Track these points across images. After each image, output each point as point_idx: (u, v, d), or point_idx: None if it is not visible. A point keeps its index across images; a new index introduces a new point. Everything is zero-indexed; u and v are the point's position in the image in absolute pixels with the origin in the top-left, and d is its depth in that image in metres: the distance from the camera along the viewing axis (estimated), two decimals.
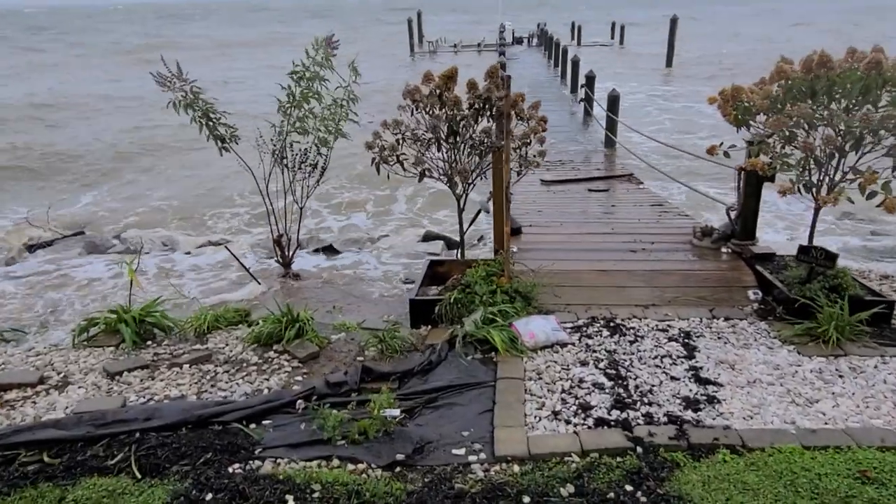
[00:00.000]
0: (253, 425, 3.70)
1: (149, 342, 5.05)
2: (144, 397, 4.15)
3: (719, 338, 4.59)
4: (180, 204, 10.58)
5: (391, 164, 5.02)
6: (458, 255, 5.42)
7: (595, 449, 3.26)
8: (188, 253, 7.78)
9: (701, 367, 4.13)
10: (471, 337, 4.57)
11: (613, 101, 12.21)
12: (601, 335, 4.67)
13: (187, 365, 4.58)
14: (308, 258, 7.31)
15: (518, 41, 39.39)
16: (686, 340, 4.55)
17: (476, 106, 4.92)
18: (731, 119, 5.17)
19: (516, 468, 3.16)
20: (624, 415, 3.59)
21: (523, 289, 5.09)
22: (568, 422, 3.56)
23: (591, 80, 15.09)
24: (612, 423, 3.52)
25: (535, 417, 3.63)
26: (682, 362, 4.23)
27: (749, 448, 3.23)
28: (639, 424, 3.49)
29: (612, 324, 4.85)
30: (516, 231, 6.52)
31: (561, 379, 4.05)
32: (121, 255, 7.96)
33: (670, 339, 4.58)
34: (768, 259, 5.76)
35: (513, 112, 4.92)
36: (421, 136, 4.96)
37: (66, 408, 3.98)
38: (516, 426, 3.53)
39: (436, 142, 4.91)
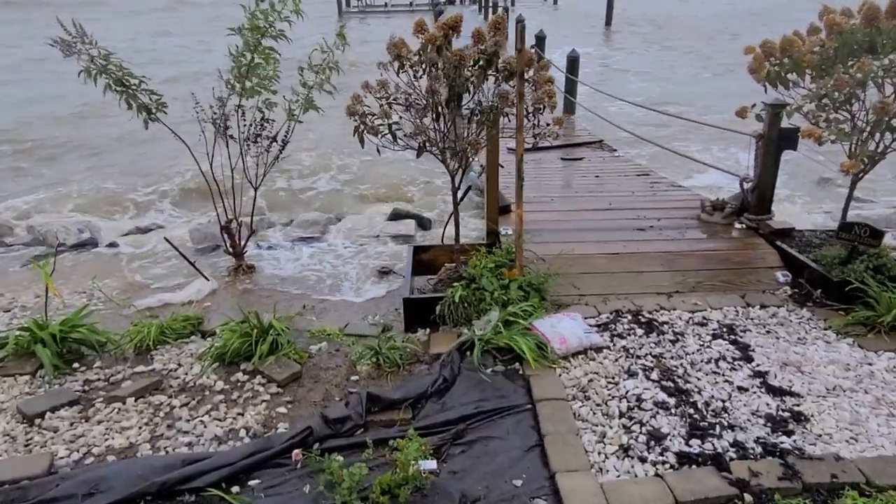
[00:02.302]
0: (236, 488, 2.82)
1: (75, 365, 4.04)
2: (79, 452, 3.15)
3: (767, 331, 4.05)
4: (99, 183, 9.17)
5: (380, 134, 4.10)
6: (455, 239, 4.62)
7: (692, 501, 2.58)
8: (112, 245, 6.54)
9: (766, 373, 3.56)
10: (488, 344, 3.83)
11: (573, 63, 11.55)
12: (634, 334, 4.05)
13: (132, 399, 3.59)
14: (259, 247, 6.28)
15: (451, 1, 38.30)
16: (733, 337, 3.99)
17: (481, 64, 4.04)
18: (763, 77, 4.55)
19: None
20: (707, 445, 2.94)
21: (536, 281, 4.37)
22: (643, 459, 2.87)
23: (541, 40, 14.31)
24: (698, 458, 2.86)
25: (600, 455, 2.92)
26: (742, 366, 3.65)
27: (877, 487, 2.63)
28: (732, 459, 2.84)
29: (640, 318, 4.24)
30: (504, 209, 5.77)
31: (613, 397, 3.36)
32: (27, 248, 6.64)
33: (714, 336, 4.00)
34: (788, 235, 5.26)
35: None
36: (415, 101, 4.05)
37: None
38: (581, 469, 2.81)
39: (434, 108, 4.01)
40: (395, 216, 7.08)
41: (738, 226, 5.55)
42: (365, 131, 4.18)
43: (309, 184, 9.11)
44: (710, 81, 16.83)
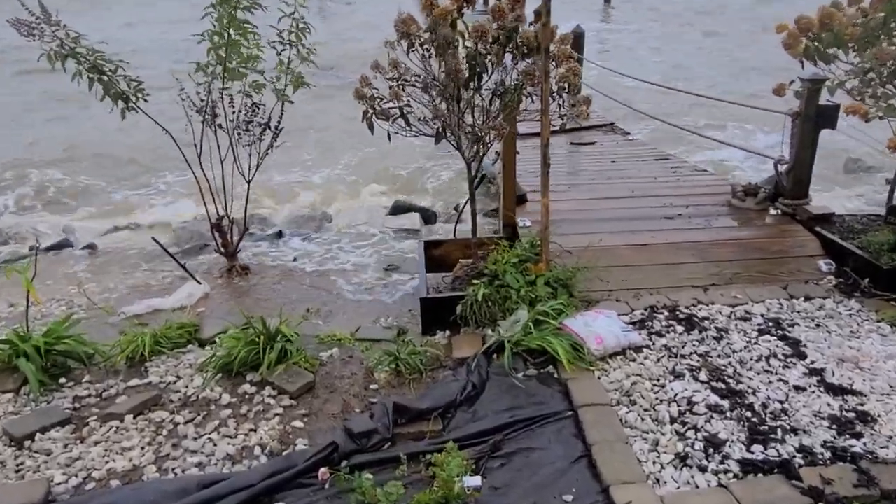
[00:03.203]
0: None
1: (62, 380, 3.92)
2: (77, 476, 3.05)
3: (816, 325, 4.02)
4: (75, 174, 8.99)
5: (391, 119, 4.02)
6: (471, 233, 4.56)
7: None
8: (89, 247, 6.39)
9: (823, 370, 3.53)
10: (517, 346, 3.77)
11: (578, 40, 11.48)
12: (674, 331, 4.02)
13: (130, 416, 3.49)
14: (253, 246, 6.19)
15: None
16: (781, 332, 3.95)
17: (500, 40, 3.97)
18: (799, 52, 4.51)
19: None
20: (771, 451, 2.90)
21: (563, 276, 4.32)
22: (703, 468, 2.82)
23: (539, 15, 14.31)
24: (763, 465, 2.81)
25: (655, 464, 2.87)
26: (795, 363, 3.62)
27: None
28: (800, 465, 2.79)
29: (678, 314, 4.20)
30: (521, 199, 5.71)
31: (661, 401, 3.32)
32: None
33: (761, 332, 3.97)
34: (828, 220, 5.24)
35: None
36: (430, 82, 3.97)
37: None
38: (637, 481, 2.76)
39: (456, 89, 3.93)
40: (398, 209, 7.03)
41: (772, 212, 5.52)
42: (374, 116, 4.11)
43: (306, 176, 9.01)
44: (717, 57, 16.87)
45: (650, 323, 4.10)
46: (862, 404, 3.23)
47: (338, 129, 10.53)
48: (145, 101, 4.96)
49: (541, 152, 4.20)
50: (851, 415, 3.14)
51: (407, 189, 8.24)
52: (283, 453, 3.12)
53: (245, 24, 4.94)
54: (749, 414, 3.16)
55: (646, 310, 4.26)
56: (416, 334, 4.27)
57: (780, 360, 3.65)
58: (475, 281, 4.24)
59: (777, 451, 2.89)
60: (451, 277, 4.70)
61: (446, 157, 8.77)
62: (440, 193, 8.03)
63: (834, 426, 3.06)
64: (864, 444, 2.92)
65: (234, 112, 5.16)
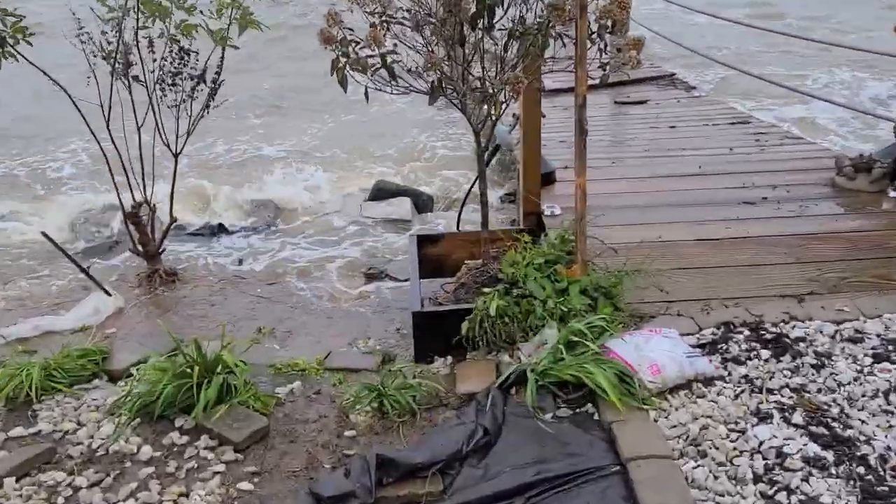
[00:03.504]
0: None
1: None
2: None
3: None
4: None
5: (371, 70, 4.05)
6: (482, 224, 4.61)
7: None
8: None
9: None
10: (544, 377, 3.81)
11: None
12: (758, 357, 4.01)
13: (10, 479, 3.49)
14: (182, 244, 6.25)
15: None
16: None
17: None
18: None
19: None
20: None
21: (606, 283, 4.38)
22: None
23: None
24: None
25: None
26: None
27: None
28: None
29: (763, 334, 4.21)
30: (548, 178, 5.77)
31: (740, 452, 3.33)
32: None
33: (877, 358, 3.95)
34: None
35: None
36: (423, 18, 4.00)
37: None
38: None
39: (455, 28, 3.96)
40: (381, 193, 7.09)
41: (892, 194, 5.60)
42: (348, 66, 4.13)
43: (257, 149, 9.06)
44: None
45: (725, 346, 4.10)
46: None
47: (301, 86, 10.57)
48: (29, 44, 4.96)
49: (575, 115, 4.24)
50: None
51: (394, 166, 8.30)
52: None
53: None
54: (862, 470, 3.16)
55: (719, 328, 4.27)
56: (408, 361, 4.33)
57: None
58: (486, 289, 4.27)
59: None
60: (453, 285, 4.73)
61: (447, 125, 8.79)
62: (438, 173, 8.10)
63: None
64: None
65: (155, 61, 5.19)
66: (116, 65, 5.14)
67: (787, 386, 3.76)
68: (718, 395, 3.72)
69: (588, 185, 4.34)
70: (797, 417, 3.52)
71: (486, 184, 4.60)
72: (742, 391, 3.73)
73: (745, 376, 3.84)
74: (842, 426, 3.45)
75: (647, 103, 8.38)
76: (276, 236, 6.53)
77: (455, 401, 3.89)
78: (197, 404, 3.76)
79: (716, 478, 3.19)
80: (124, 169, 5.34)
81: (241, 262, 6.02)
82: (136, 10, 5.02)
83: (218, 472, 3.47)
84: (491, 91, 4.17)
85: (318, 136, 9.41)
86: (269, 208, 6.84)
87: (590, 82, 4.23)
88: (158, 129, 5.27)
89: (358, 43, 4.09)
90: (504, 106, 4.36)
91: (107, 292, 5.26)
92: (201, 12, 5.19)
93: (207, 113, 5.32)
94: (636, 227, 5.16)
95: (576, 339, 3.92)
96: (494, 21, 4.05)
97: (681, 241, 5.08)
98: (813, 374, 3.84)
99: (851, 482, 3.11)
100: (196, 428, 3.74)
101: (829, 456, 3.26)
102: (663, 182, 6.08)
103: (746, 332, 4.21)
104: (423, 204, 6.99)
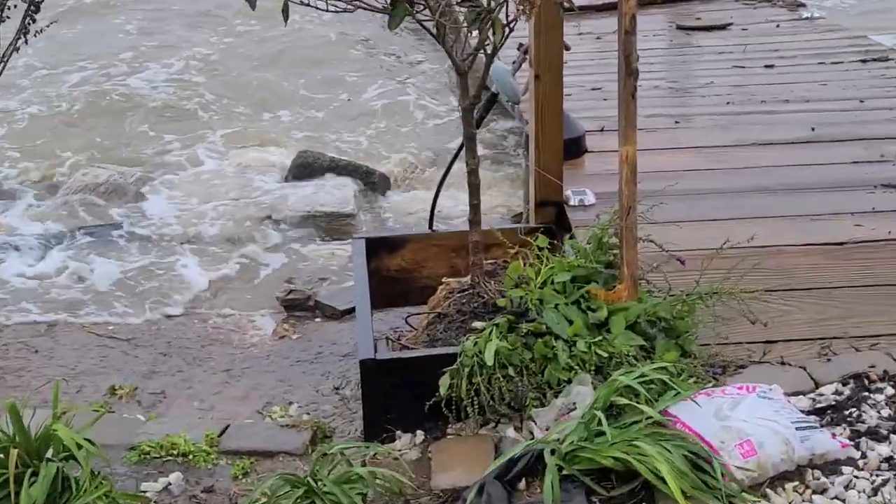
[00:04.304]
0: None
1: None
2: None
3: None
4: None
5: None
6: (469, 220, 3.90)
7: None
8: None
9: None
10: (570, 462, 3.20)
11: None
12: None
13: None
14: None
15: None
16: None
17: None
18: None
19: None
20: None
21: (668, 311, 3.65)
22: None
23: None
24: None
25: None
26: None
27: None
28: None
29: None
30: (574, 147, 5.13)
31: None
32: None
33: None
34: None
35: None
36: None
37: None
38: None
39: None
40: (306, 171, 6.38)
41: None
42: None
43: (111, 102, 8.10)
44: None
45: (855, 411, 3.46)
46: None
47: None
48: None
49: (619, 48, 3.45)
50: None
51: (330, 131, 7.34)
52: None
53: None
54: None
55: (846, 383, 3.59)
56: (353, 439, 3.70)
57: None
58: (478, 324, 3.60)
59: None
60: (425, 317, 4.06)
61: (413, 67, 8.11)
62: (398, 138, 7.11)
63: None
64: None
65: None
66: None
67: None
68: (847, 488, 3.10)
69: (639, 159, 3.58)
70: None
71: (478, 157, 3.82)
72: (885, 482, 3.09)
73: (888, 459, 3.22)
74: None
75: (728, 28, 7.70)
76: (139, 241, 5.75)
77: (429, 502, 3.24)
78: None
79: None
80: None
81: (76, 275, 5.39)
82: None
83: None
84: (486, 3, 3.39)
85: (207, 75, 8.51)
86: (130, 195, 6.15)
87: None
88: None
89: None
90: (507, 31, 3.60)
91: None
92: None
93: (25, 41, 4.43)
94: (714, 223, 4.53)
95: (622, 401, 3.31)
96: None
97: (785, 245, 4.42)
98: None
99: None
100: None
101: None
102: (755, 153, 5.36)
103: (889, 391, 3.54)
104: (373, 184, 6.31)
